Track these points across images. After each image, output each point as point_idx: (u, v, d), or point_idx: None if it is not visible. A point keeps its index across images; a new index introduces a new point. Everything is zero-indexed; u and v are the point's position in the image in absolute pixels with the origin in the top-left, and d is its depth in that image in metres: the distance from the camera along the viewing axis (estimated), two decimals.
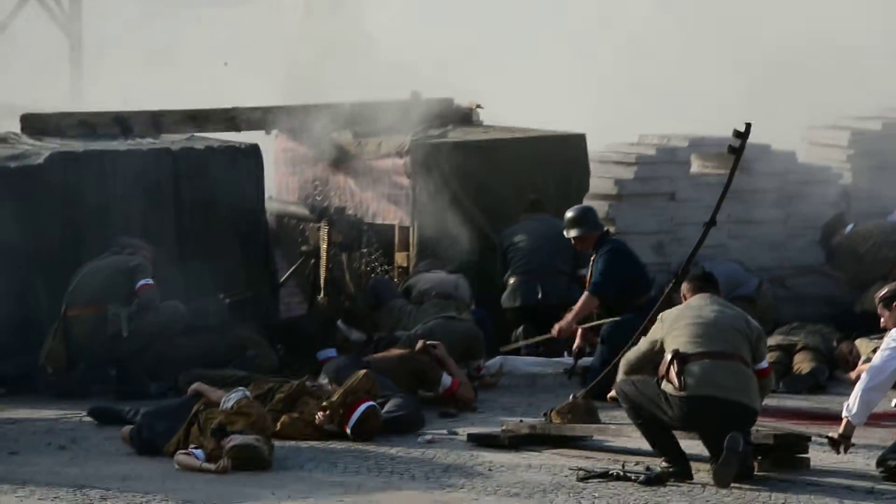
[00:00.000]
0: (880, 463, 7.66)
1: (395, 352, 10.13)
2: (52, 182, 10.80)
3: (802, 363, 10.73)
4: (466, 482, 7.72)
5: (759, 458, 7.69)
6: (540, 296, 11.26)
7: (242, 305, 11.05)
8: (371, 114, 12.28)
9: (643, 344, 7.90)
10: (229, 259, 11.24)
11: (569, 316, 10.37)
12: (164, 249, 10.84)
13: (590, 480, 7.58)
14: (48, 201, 10.78)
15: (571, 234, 10.65)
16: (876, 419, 8.34)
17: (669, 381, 7.50)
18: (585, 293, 10.38)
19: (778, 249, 12.86)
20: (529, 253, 11.41)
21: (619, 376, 7.95)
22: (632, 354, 7.97)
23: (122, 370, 10.32)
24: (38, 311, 10.58)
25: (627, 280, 10.39)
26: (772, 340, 10.41)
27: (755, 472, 7.60)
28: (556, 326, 10.49)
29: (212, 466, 7.76)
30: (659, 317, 7.90)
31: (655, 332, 7.80)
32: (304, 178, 13.00)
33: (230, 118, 12.26)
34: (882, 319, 8.00)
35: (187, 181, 11.19)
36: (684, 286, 8.12)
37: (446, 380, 9.74)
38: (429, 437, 8.77)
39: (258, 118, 12.44)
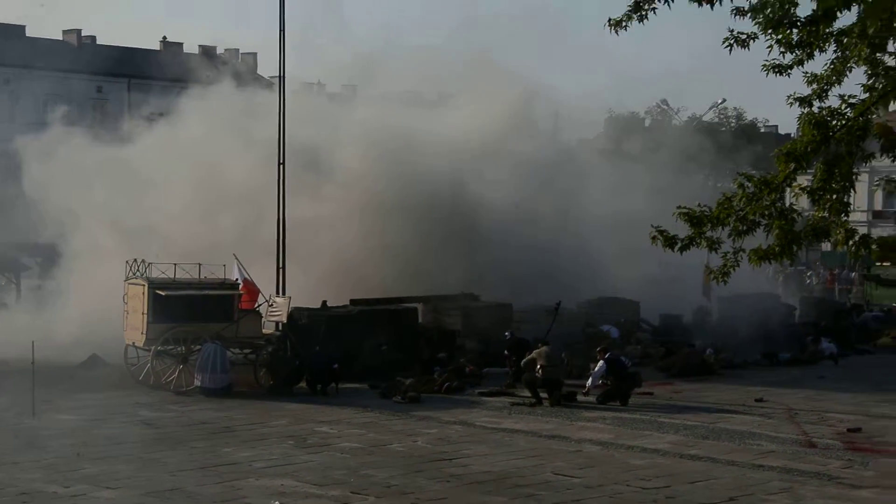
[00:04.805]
0: None
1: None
2: None
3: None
4: (481, 405, 25.71)
5: (561, 397, 25.76)
6: None
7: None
8: None
9: (529, 361, 26.10)
10: None
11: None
12: None
13: (514, 405, 25.58)
14: None
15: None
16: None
17: (537, 372, 25.79)
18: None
19: None
20: None
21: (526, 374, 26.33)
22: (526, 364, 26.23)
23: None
24: None
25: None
26: None
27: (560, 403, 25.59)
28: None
29: (400, 399, 25.85)
30: (534, 352, 26.14)
31: (534, 357, 26.00)
32: None
33: None
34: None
35: None
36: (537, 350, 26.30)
37: None
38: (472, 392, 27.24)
39: None
